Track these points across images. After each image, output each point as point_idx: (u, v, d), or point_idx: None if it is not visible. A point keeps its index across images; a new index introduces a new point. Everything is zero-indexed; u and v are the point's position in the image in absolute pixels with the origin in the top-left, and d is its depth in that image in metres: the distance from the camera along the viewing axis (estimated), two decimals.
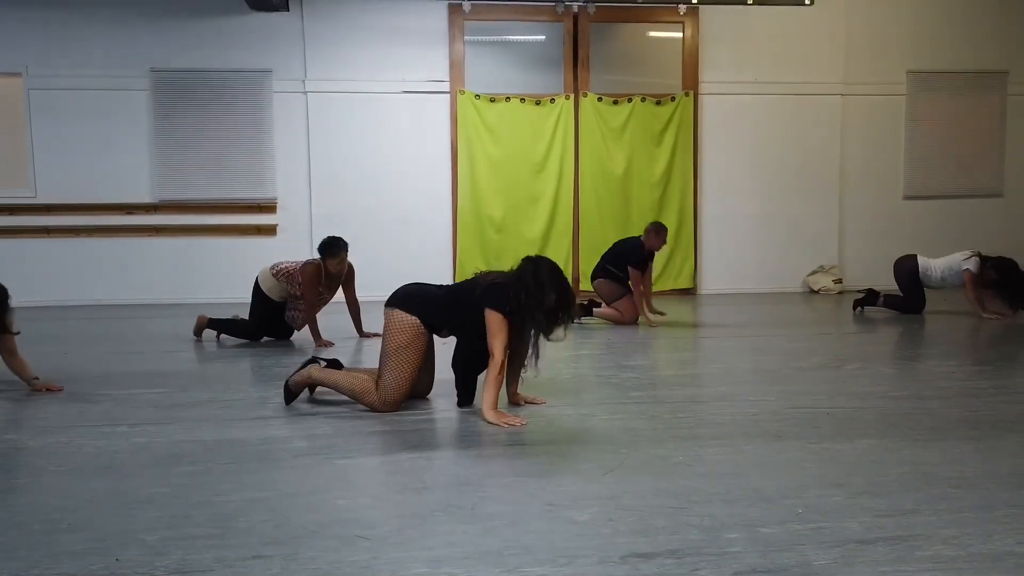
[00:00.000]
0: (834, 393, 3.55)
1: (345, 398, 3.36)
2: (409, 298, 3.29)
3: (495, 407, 3.05)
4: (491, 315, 3.08)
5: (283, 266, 5.09)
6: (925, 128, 8.13)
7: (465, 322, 3.21)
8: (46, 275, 7.31)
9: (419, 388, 3.41)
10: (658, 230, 5.84)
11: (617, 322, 5.78)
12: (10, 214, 7.38)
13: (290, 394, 3.38)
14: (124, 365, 4.38)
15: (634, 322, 5.77)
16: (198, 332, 5.26)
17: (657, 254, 6.14)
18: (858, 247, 8.11)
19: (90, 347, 5.09)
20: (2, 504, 2.21)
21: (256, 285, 5.10)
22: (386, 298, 3.34)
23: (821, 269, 8.04)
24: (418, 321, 3.21)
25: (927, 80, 8.09)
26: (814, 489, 2.29)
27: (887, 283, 6.61)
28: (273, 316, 5.11)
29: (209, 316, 5.28)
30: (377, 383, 3.21)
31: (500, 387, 3.10)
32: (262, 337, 5.15)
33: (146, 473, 2.47)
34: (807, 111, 7.98)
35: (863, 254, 8.04)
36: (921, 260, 6.24)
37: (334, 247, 4.97)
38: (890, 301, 6.26)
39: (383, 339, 3.26)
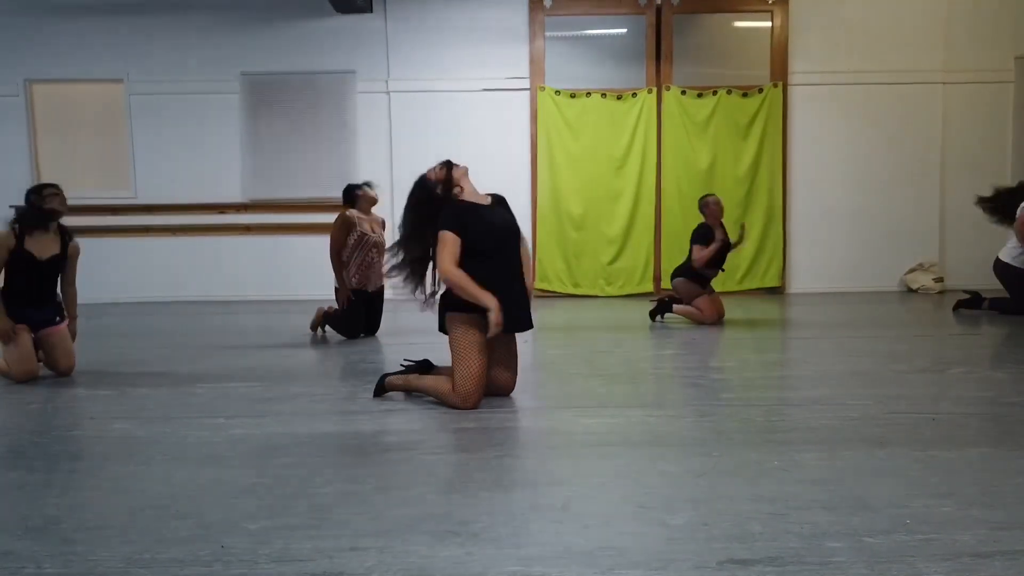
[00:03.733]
0: (938, 398, 3.37)
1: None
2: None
3: (495, 302, 3.07)
4: (441, 235, 3.19)
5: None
6: None
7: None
8: (146, 272, 7.70)
9: (499, 384, 3.39)
10: (704, 201, 5.65)
11: (698, 321, 5.65)
12: (113, 214, 7.80)
13: (381, 390, 3.44)
14: (219, 359, 4.56)
15: (715, 322, 5.63)
16: (315, 326, 5.39)
17: (743, 248, 6.00)
18: (961, 244, 7.70)
19: (187, 342, 5.32)
20: (116, 490, 2.33)
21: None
22: None
23: (920, 267, 7.67)
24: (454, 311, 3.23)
25: None
26: (921, 498, 2.17)
27: (992, 283, 6.25)
28: (361, 310, 5.23)
29: (325, 310, 5.40)
30: (452, 383, 3.24)
31: (475, 285, 3.10)
32: (359, 335, 5.27)
33: (245, 464, 2.55)
34: (905, 101, 7.63)
35: (966, 251, 7.63)
36: (1003, 252, 5.86)
37: (354, 189, 5.22)
38: (996, 304, 5.91)
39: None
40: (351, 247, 5.16)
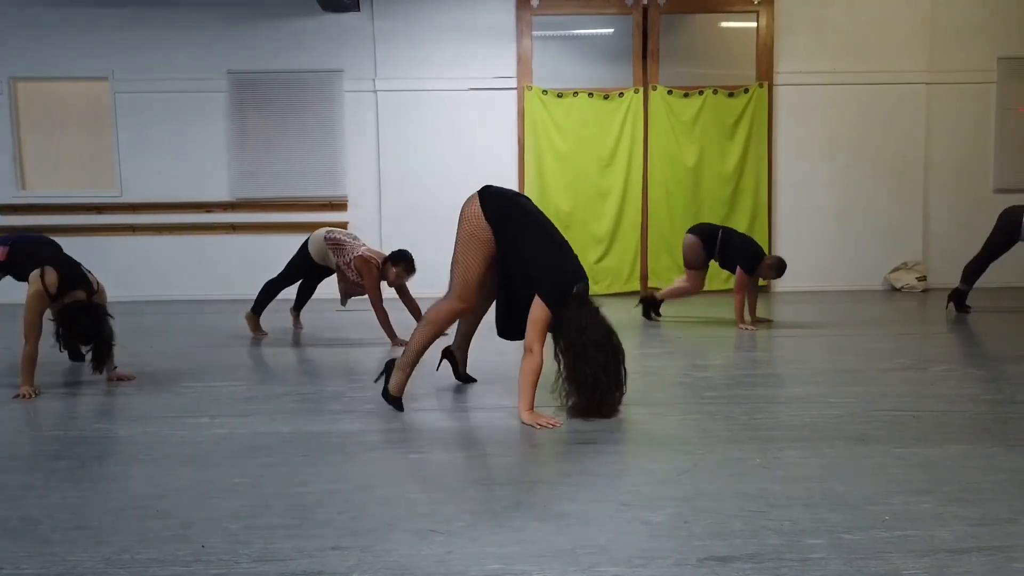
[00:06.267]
0: (920, 395, 3.40)
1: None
2: (491, 194, 3.20)
3: (531, 407, 2.98)
4: (540, 306, 2.98)
5: (337, 236, 5.19)
6: (1018, 117, 7.71)
7: (514, 262, 3.11)
8: (131, 271, 7.63)
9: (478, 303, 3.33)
10: (775, 267, 5.46)
11: (683, 294, 5.71)
12: (98, 213, 7.74)
13: (398, 401, 3.23)
14: (204, 358, 4.54)
15: (696, 293, 5.70)
16: (255, 329, 5.36)
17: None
18: (944, 243, 7.76)
19: (172, 340, 5.29)
20: (96, 491, 2.31)
21: (304, 244, 5.34)
22: None
23: (904, 266, 7.73)
24: (482, 215, 3.12)
25: (1021, 67, 7.67)
26: (901, 495, 2.19)
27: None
28: (307, 272, 5.39)
29: (250, 311, 5.41)
30: (449, 286, 3.19)
31: (536, 386, 3.00)
32: (289, 285, 5.44)
33: (228, 463, 2.54)
34: (889, 101, 7.67)
35: (949, 250, 7.68)
36: None
37: (412, 267, 5.03)
38: (972, 278, 6.05)
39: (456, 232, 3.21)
40: (330, 257, 5.20)
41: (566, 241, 3.21)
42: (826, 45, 7.64)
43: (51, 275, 3.65)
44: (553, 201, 7.67)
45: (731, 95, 7.64)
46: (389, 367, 3.28)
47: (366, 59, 7.66)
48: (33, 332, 3.59)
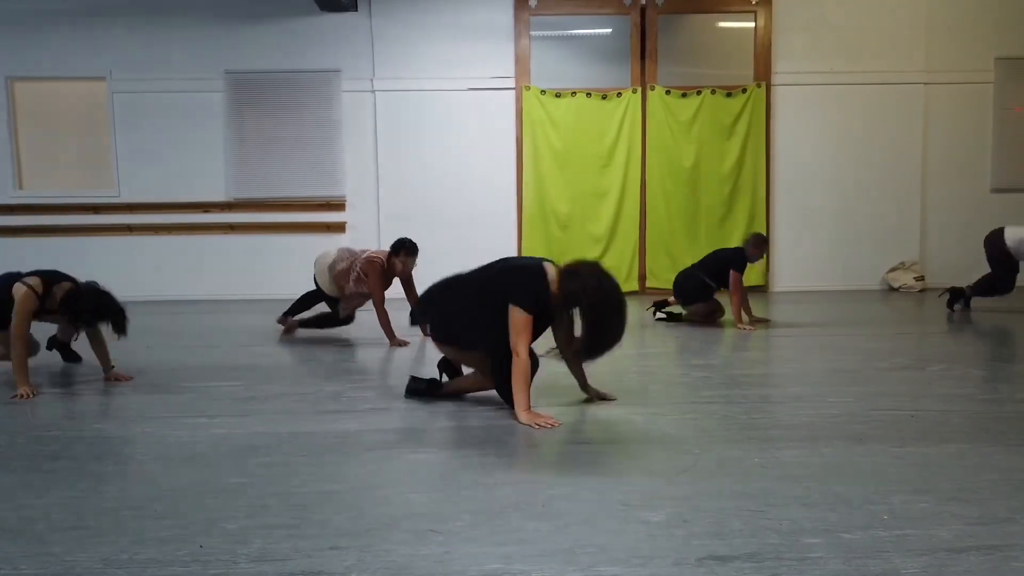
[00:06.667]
0: (918, 395, 3.40)
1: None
2: (431, 324, 3.34)
3: (528, 407, 2.99)
4: (515, 310, 3.02)
5: (341, 267, 5.13)
6: (1015, 117, 7.72)
7: (493, 327, 3.11)
8: (128, 271, 7.61)
9: None
10: (759, 242, 5.56)
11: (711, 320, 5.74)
12: (95, 213, 7.73)
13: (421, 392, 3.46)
14: (202, 358, 4.53)
15: (723, 313, 5.71)
16: (289, 331, 5.40)
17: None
18: (941, 243, 7.78)
19: (170, 341, 5.28)
20: (93, 491, 2.31)
21: (315, 281, 5.29)
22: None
23: (902, 266, 7.74)
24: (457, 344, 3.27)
25: (1018, 66, 7.69)
26: (899, 494, 2.19)
27: (972, 279, 6.32)
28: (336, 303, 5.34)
29: (299, 319, 5.42)
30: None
31: (529, 386, 3.02)
32: (336, 308, 5.34)
33: (226, 463, 2.54)
34: (887, 101, 7.68)
35: (947, 250, 7.71)
36: (1010, 232, 5.93)
37: (413, 250, 5.03)
38: (978, 289, 6.03)
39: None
40: (339, 288, 5.19)
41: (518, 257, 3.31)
42: (824, 45, 7.65)
43: (32, 278, 3.69)
44: (551, 201, 7.67)
45: (729, 95, 7.64)
46: (433, 387, 3.43)
47: (364, 59, 7.65)
48: (21, 334, 3.60)
